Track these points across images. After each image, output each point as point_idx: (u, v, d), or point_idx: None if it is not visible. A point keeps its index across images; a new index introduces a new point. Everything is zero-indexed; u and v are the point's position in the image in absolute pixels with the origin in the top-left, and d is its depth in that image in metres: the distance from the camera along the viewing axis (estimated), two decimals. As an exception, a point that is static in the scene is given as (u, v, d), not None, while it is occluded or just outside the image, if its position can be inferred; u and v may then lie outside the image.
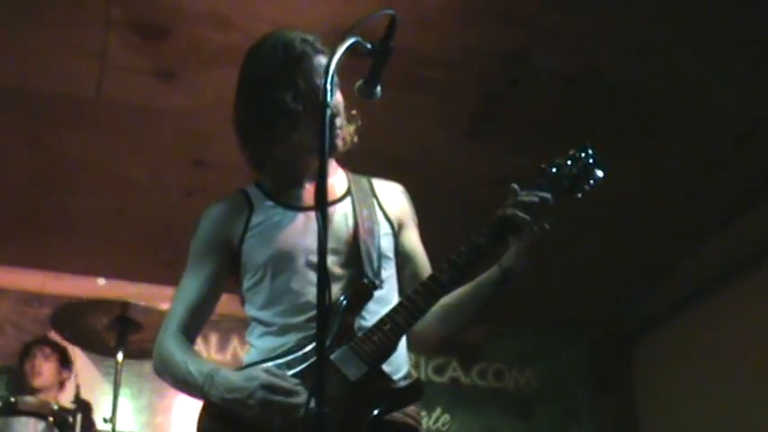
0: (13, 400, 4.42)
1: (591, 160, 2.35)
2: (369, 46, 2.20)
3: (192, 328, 2.44)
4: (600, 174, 2.35)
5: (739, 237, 5.90)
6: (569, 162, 2.35)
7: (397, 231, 2.52)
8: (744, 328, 5.91)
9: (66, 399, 5.11)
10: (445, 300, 2.35)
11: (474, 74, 4.90)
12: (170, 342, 2.38)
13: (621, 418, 7.02)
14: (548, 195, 2.28)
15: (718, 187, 5.66)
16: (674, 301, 6.53)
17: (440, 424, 6.72)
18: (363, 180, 2.56)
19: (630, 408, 7.01)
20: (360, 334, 2.26)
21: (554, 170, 2.34)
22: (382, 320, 2.26)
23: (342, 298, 2.31)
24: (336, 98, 2.42)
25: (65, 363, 5.32)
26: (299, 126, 2.37)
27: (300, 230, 2.38)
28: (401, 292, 2.45)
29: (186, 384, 2.32)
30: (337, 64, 2.07)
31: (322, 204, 1.94)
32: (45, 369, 5.24)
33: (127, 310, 4.54)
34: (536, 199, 2.26)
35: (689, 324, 6.47)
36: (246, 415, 2.19)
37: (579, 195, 2.36)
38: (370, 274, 2.35)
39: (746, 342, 5.86)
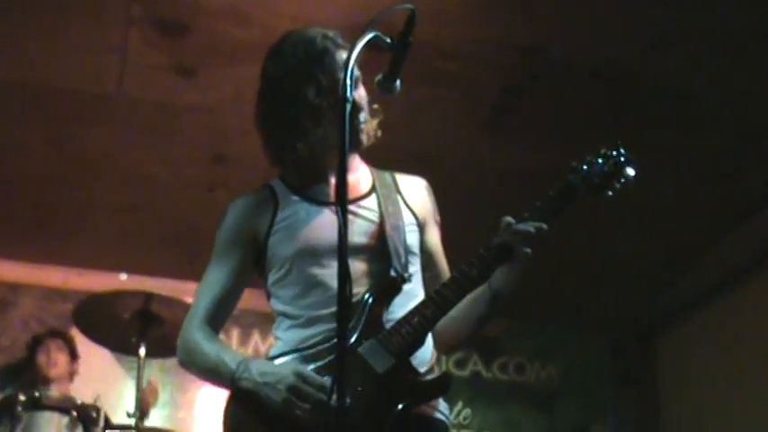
0: (37, 394, 4.44)
1: (622, 158, 2.35)
2: (388, 40, 2.20)
3: (217, 320, 2.45)
4: (631, 172, 2.35)
5: (761, 230, 5.86)
6: (600, 160, 2.35)
7: (422, 227, 2.53)
8: (766, 321, 5.88)
9: (74, 390, 5.16)
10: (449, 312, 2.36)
11: (494, 67, 4.89)
12: (197, 333, 2.40)
13: (643, 411, 7.00)
14: (544, 225, 2.26)
15: (739, 180, 5.62)
16: (695, 295, 6.50)
17: (461, 418, 6.73)
18: (387, 176, 2.57)
19: (652, 401, 6.99)
20: (388, 327, 2.27)
21: (585, 168, 2.33)
22: (411, 313, 2.27)
23: (369, 292, 2.32)
24: (360, 93, 2.43)
25: (74, 355, 5.35)
26: (322, 121, 2.38)
27: (327, 225, 2.38)
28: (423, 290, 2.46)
29: (215, 373, 2.33)
30: (357, 59, 2.08)
31: (342, 200, 1.94)
32: (60, 360, 5.26)
33: (150, 302, 4.55)
34: (532, 230, 2.25)
35: (711, 318, 6.44)
36: (272, 400, 2.19)
37: (610, 193, 2.35)
38: (398, 268, 2.35)
39: (769, 335, 5.83)
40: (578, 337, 7.16)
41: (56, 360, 5.24)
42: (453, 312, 2.34)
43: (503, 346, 6.99)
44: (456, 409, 6.72)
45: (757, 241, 5.88)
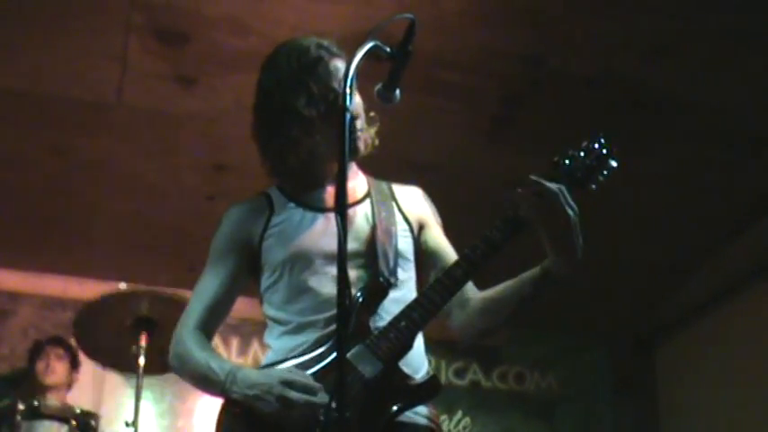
0: (36, 403, 4.43)
1: (604, 151, 2.32)
2: (388, 50, 2.20)
3: (209, 326, 2.45)
4: (614, 164, 2.31)
5: (761, 239, 5.86)
6: (582, 153, 2.32)
7: (416, 232, 2.53)
8: (766, 330, 5.87)
9: (72, 398, 5.17)
10: (487, 293, 2.37)
11: (494, 77, 4.89)
12: (189, 339, 2.40)
13: (643, 420, 6.99)
14: (552, 186, 2.19)
15: (739, 189, 5.62)
16: (695, 303, 6.50)
17: (460, 427, 6.72)
18: (383, 184, 2.58)
19: (652, 410, 6.98)
20: (376, 332, 2.26)
21: (567, 162, 2.31)
22: (397, 318, 2.26)
23: (357, 296, 2.31)
24: (355, 101, 2.43)
25: (75, 364, 5.34)
26: (313, 131, 2.39)
27: (320, 231, 2.40)
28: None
29: (206, 381, 2.33)
30: (356, 68, 2.07)
31: (342, 208, 1.94)
32: (58, 368, 5.25)
33: (150, 305, 4.51)
34: (542, 190, 2.19)
35: (711, 326, 6.43)
36: (265, 411, 2.19)
37: (593, 187, 2.32)
38: (385, 272, 2.35)
39: (769, 344, 5.82)
40: (578, 347, 7.15)
41: (54, 368, 5.24)
42: (495, 294, 2.35)
43: (502, 356, 6.98)
44: (456, 418, 6.71)
45: (757, 250, 5.88)
